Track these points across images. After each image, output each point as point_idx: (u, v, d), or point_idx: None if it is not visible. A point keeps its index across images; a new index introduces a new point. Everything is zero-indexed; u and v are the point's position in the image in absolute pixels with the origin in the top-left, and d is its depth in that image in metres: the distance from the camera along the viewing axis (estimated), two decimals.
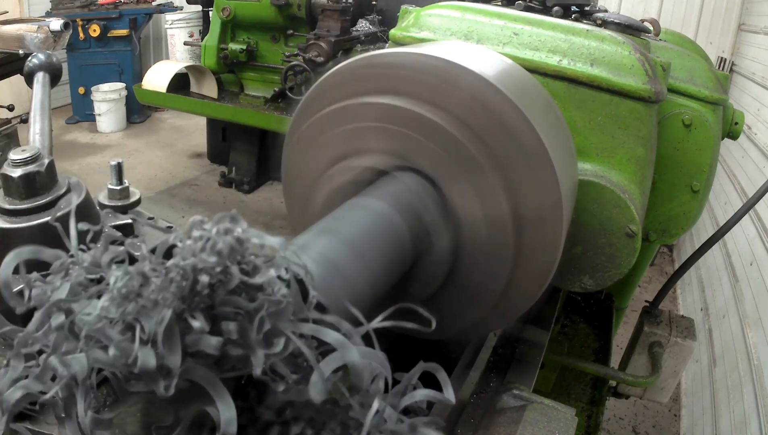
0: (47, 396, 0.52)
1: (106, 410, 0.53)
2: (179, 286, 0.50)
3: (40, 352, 0.56)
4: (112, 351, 0.49)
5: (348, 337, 0.56)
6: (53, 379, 0.53)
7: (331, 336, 0.55)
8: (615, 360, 2.10)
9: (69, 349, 0.53)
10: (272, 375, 0.53)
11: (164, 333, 0.49)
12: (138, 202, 1.08)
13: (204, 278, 0.50)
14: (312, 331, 0.55)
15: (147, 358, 0.48)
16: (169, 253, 0.54)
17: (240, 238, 0.54)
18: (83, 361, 0.51)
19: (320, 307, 0.60)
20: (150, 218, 1.09)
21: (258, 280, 0.53)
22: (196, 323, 0.50)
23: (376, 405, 0.56)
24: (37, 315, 0.56)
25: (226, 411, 0.50)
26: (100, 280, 0.57)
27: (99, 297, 0.54)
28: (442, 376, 0.66)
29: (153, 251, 0.56)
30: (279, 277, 0.55)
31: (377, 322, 0.59)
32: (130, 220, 1.02)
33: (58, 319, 0.54)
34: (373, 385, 0.58)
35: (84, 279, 0.57)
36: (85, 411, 0.51)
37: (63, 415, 0.53)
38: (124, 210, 1.05)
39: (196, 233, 0.54)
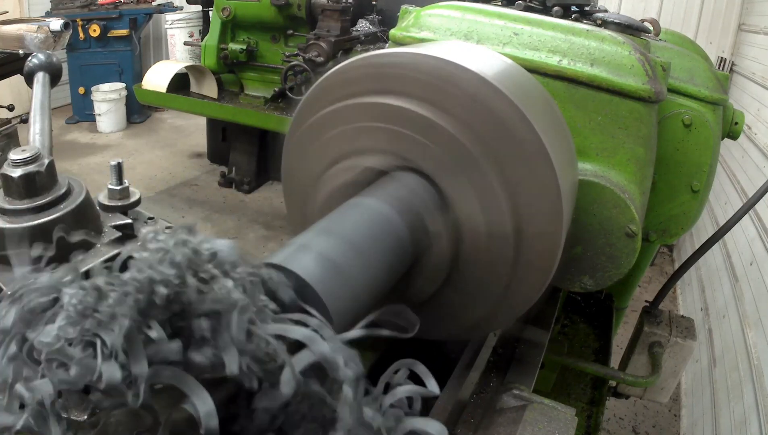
0: (18, 425, 0.50)
1: (92, 419, 0.52)
2: (136, 299, 0.50)
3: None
4: (73, 369, 0.48)
5: (317, 331, 0.56)
6: (22, 406, 0.51)
7: (298, 332, 0.55)
8: (615, 360, 2.10)
9: (30, 375, 0.51)
10: (248, 373, 0.53)
11: (126, 341, 0.48)
12: (138, 202, 1.08)
13: (161, 290, 0.50)
14: (278, 330, 0.55)
15: (112, 371, 0.47)
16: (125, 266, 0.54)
17: (196, 249, 0.54)
18: (47, 385, 0.49)
19: (288, 308, 0.60)
20: (150, 218, 1.09)
21: (215, 288, 0.53)
22: (153, 333, 0.49)
23: (349, 392, 0.54)
24: None
25: (203, 405, 0.49)
26: (56, 301, 0.55)
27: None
28: (420, 369, 0.65)
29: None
30: (236, 283, 0.55)
31: (354, 333, 0.59)
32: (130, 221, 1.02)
33: (11, 348, 0.52)
34: (342, 373, 0.56)
35: (37, 303, 0.55)
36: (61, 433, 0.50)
37: None
38: (124, 210, 1.05)
39: (152, 245, 0.53)
